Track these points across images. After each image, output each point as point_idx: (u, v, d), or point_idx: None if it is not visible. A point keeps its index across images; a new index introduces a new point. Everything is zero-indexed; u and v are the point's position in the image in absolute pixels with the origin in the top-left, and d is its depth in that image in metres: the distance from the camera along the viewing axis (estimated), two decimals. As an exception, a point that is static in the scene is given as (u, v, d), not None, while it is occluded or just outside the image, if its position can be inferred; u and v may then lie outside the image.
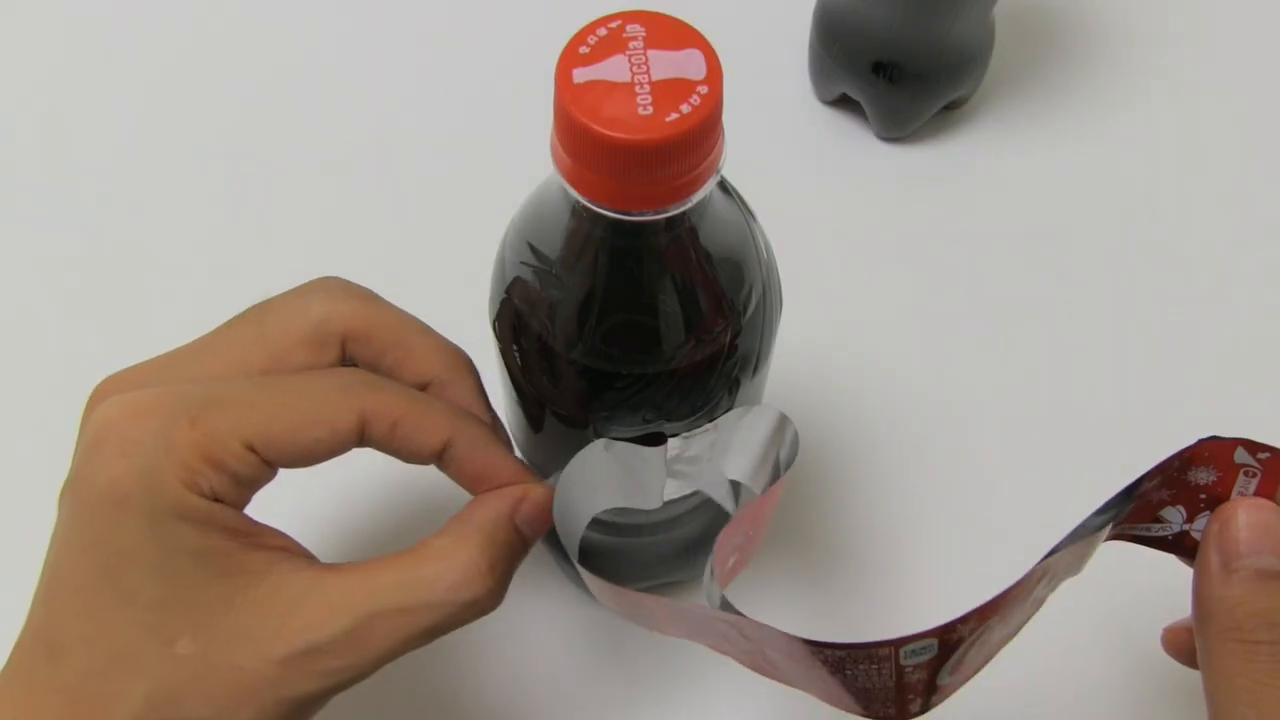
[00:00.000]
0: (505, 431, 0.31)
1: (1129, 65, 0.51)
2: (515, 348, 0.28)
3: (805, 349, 0.43)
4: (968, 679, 0.26)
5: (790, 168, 0.48)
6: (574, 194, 0.23)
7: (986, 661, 0.27)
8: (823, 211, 0.47)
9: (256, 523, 0.26)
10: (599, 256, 0.25)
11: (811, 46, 0.48)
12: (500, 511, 0.28)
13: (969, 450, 0.41)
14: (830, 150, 0.48)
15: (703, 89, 0.21)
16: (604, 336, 0.26)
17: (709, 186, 0.23)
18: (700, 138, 0.22)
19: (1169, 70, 0.51)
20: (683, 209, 0.23)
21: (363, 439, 0.27)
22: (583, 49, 0.22)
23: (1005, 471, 0.41)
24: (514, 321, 0.27)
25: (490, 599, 0.27)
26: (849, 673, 0.25)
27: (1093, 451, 0.42)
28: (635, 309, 0.26)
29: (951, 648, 0.24)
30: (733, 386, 0.28)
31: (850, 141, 0.49)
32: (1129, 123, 0.49)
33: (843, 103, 0.49)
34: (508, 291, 0.27)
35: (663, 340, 0.26)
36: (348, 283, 0.29)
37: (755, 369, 0.28)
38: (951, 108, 0.49)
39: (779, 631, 0.24)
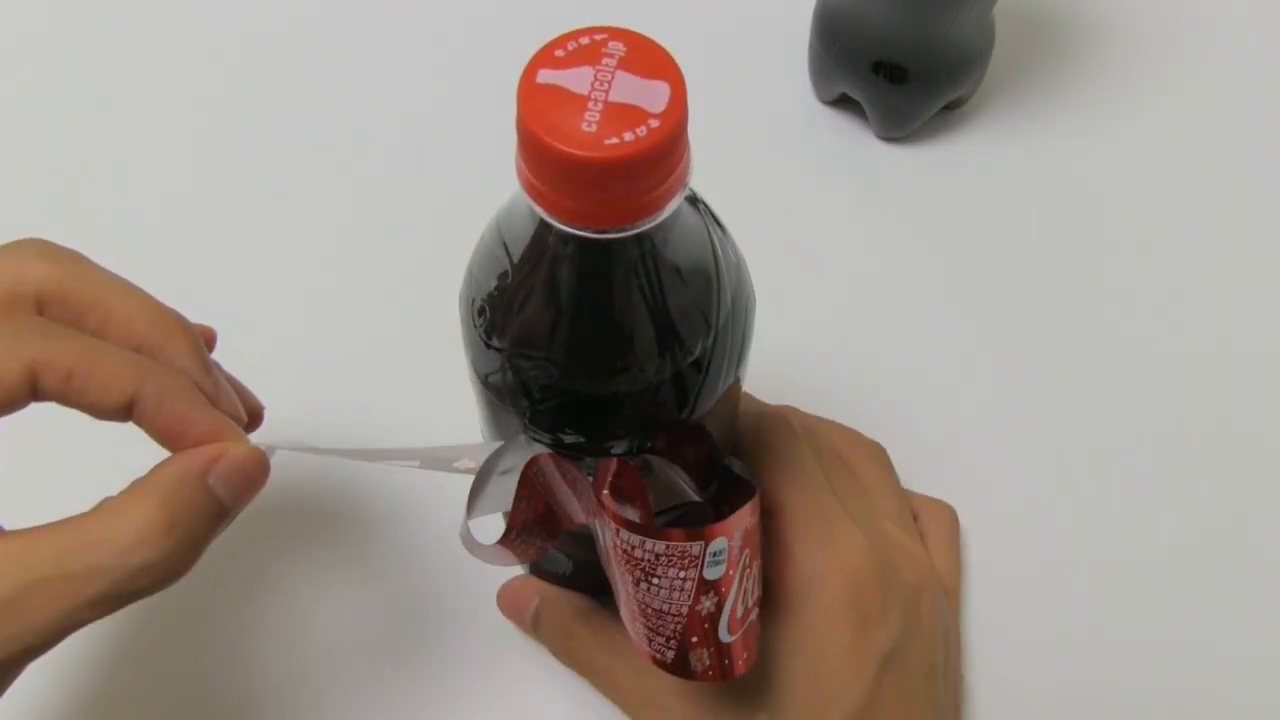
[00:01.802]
0: (228, 393, 0.29)
1: (1129, 65, 0.51)
2: (471, 331, 0.27)
3: (805, 349, 0.43)
4: (742, 656, 0.27)
5: (790, 168, 0.48)
6: (520, 189, 0.23)
7: (743, 626, 0.28)
8: (822, 211, 0.47)
9: None
10: (543, 260, 0.24)
11: (811, 46, 0.48)
12: (188, 469, 0.25)
13: (968, 451, 0.41)
14: (830, 150, 0.48)
15: (654, 123, 0.21)
16: (529, 340, 0.25)
17: (647, 223, 0.22)
18: (637, 170, 0.21)
19: (1169, 70, 0.51)
20: (612, 235, 0.22)
21: (36, 392, 0.25)
22: (558, 52, 0.22)
23: (1004, 472, 0.41)
24: (470, 305, 0.27)
25: (169, 564, 0.25)
26: (655, 581, 0.25)
27: (1093, 452, 0.42)
28: (568, 321, 0.25)
29: (734, 563, 0.26)
30: (660, 426, 0.27)
31: (850, 141, 0.48)
32: (1129, 122, 0.49)
33: (843, 103, 0.49)
34: (470, 272, 0.27)
35: (586, 362, 0.25)
36: (46, 243, 0.27)
37: (694, 408, 0.27)
38: (951, 108, 0.49)
39: (611, 519, 0.25)
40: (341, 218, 0.46)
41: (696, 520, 0.28)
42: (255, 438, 0.28)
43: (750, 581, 0.27)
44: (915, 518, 0.38)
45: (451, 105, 0.49)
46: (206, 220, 0.46)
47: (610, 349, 0.25)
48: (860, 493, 0.35)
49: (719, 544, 0.25)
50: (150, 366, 0.26)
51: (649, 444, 0.27)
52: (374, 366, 0.43)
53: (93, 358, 0.25)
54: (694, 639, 0.27)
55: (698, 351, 0.26)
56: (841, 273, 0.45)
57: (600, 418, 0.26)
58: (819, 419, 0.38)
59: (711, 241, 0.26)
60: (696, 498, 0.28)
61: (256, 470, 0.27)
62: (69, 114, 0.49)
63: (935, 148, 0.48)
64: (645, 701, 0.33)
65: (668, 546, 0.25)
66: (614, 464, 0.26)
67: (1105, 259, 0.46)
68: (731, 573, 0.26)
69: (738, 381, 0.29)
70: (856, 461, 0.37)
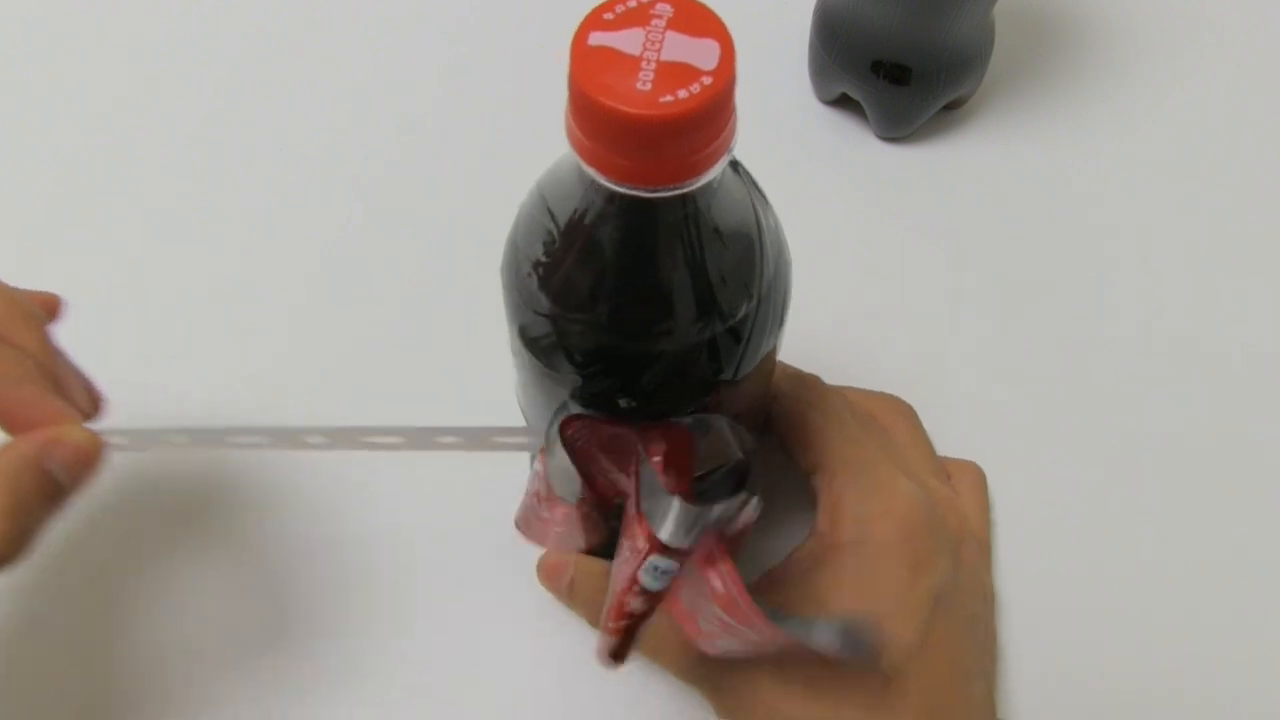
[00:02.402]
0: (75, 380, 0.29)
1: (1129, 65, 0.51)
2: (518, 300, 0.27)
3: (804, 349, 0.43)
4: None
5: (790, 168, 0.48)
6: (571, 152, 0.23)
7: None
8: (822, 211, 0.47)
9: None
10: (594, 223, 0.24)
11: (811, 46, 0.48)
12: (24, 453, 0.26)
13: (960, 451, 0.41)
14: (830, 150, 0.48)
15: (706, 80, 0.21)
16: (580, 303, 0.25)
17: (699, 180, 0.23)
18: (691, 127, 0.22)
19: (1169, 69, 0.51)
20: (664, 193, 0.23)
21: None
22: (607, 15, 0.22)
23: (1001, 473, 0.41)
24: (515, 273, 0.27)
25: (4, 546, 0.25)
26: (623, 551, 0.26)
27: (1093, 452, 0.42)
28: (621, 282, 0.25)
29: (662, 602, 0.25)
30: (706, 388, 0.27)
31: (850, 141, 0.48)
32: (1129, 122, 0.49)
33: (843, 103, 0.49)
34: (513, 243, 0.27)
35: (634, 322, 0.26)
36: None
37: (739, 368, 0.27)
38: (951, 108, 0.48)
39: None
40: (344, 212, 0.46)
41: (740, 478, 0.28)
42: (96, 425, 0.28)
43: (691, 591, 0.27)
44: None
45: (458, 91, 0.49)
46: (210, 212, 0.46)
47: (661, 309, 0.25)
48: (895, 450, 0.36)
49: (664, 563, 0.25)
50: None
51: (695, 407, 0.27)
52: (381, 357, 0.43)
53: None
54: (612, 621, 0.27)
55: (744, 311, 0.26)
56: (841, 273, 0.45)
57: (651, 380, 0.26)
58: (845, 387, 0.39)
59: (753, 204, 0.26)
60: (741, 454, 0.29)
61: (93, 454, 0.27)
62: (75, 112, 0.49)
63: (935, 148, 0.48)
64: (698, 655, 0.32)
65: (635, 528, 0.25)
66: (665, 428, 0.26)
67: (1105, 258, 0.46)
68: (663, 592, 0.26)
69: (776, 344, 0.29)
70: (887, 422, 0.38)
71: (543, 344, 0.27)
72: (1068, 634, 0.38)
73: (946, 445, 0.41)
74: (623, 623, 0.26)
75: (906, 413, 0.39)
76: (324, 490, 0.40)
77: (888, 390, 0.40)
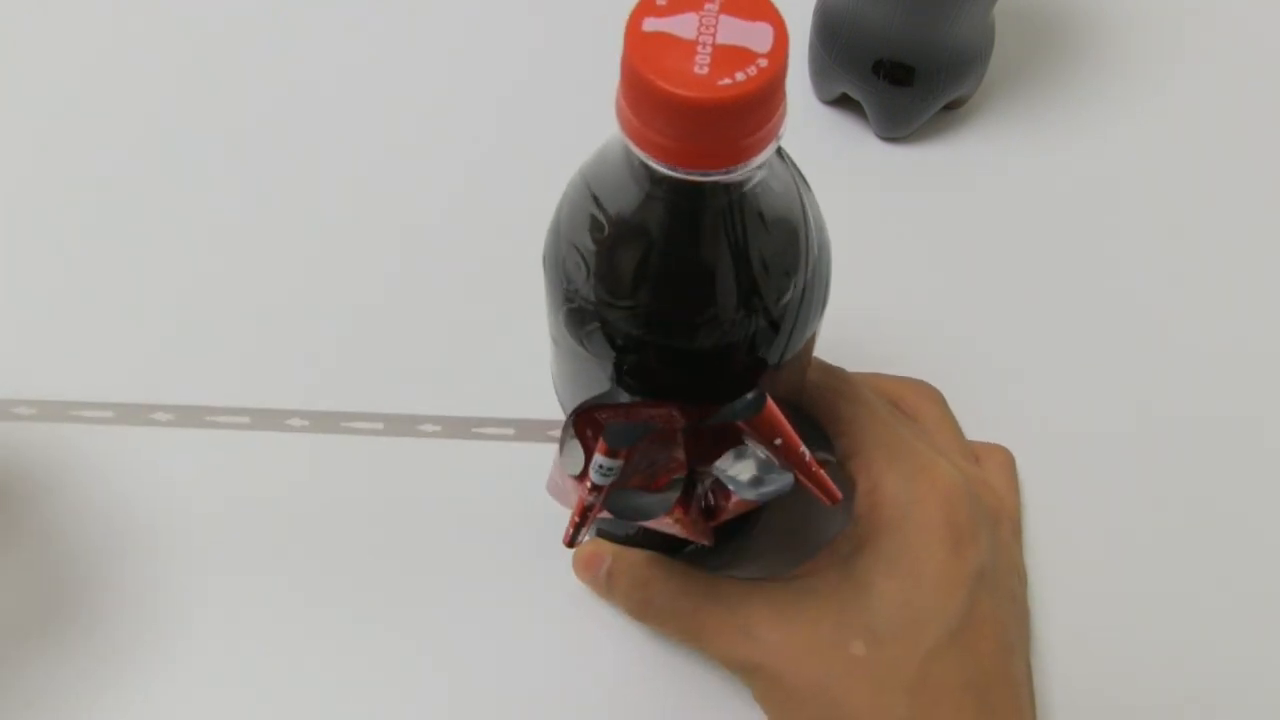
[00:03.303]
0: None
1: (1129, 64, 0.51)
2: (557, 286, 0.27)
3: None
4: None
5: (790, 168, 0.48)
6: (623, 138, 0.23)
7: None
8: (823, 211, 0.46)
9: None
10: (638, 209, 0.25)
11: (811, 46, 0.48)
12: None
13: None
14: (830, 150, 0.48)
15: (763, 62, 0.22)
16: (624, 290, 0.26)
17: (753, 163, 0.23)
18: (749, 109, 0.22)
19: (1169, 69, 0.51)
20: (717, 177, 0.23)
21: None
22: (660, 0, 0.22)
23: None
24: (558, 264, 0.27)
25: None
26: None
27: (1094, 451, 0.42)
28: (662, 269, 0.25)
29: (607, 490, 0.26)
30: (750, 373, 0.27)
31: (850, 141, 0.48)
32: (1129, 122, 0.49)
33: (843, 103, 0.49)
34: (556, 232, 0.27)
35: (681, 309, 0.26)
36: None
37: (784, 353, 0.27)
38: (951, 108, 0.49)
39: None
40: (330, 218, 0.46)
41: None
42: None
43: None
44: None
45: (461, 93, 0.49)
46: (193, 213, 0.46)
47: (708, 295, 0.25)
48: (924, 434, 0.36)
49: (606, 461, 0.26)
50: None
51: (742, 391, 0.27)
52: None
53: None
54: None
55: (790, 296, 0.26)
56: (841, 273, 0.45)
57: (695, 366, 0.27)
58: (871, 374, 0.39)
59: (798, 189, 0.27)
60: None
61: None
62: (85, 116, 0.49)
63: (935, 148, 0.48)
64: (738, 634, 0.32)
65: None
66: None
67: (1105, 258, 0.46)
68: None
69: (817, 330, 0.30)
70: (915, 406, 0.38)
71: (587, 330, 0.27)
72: (1093, 617, 0.38)
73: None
74: (578, 515, 0.28)
75: (934, 397, 0.39)
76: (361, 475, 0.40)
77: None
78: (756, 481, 0.27)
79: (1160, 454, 0.42)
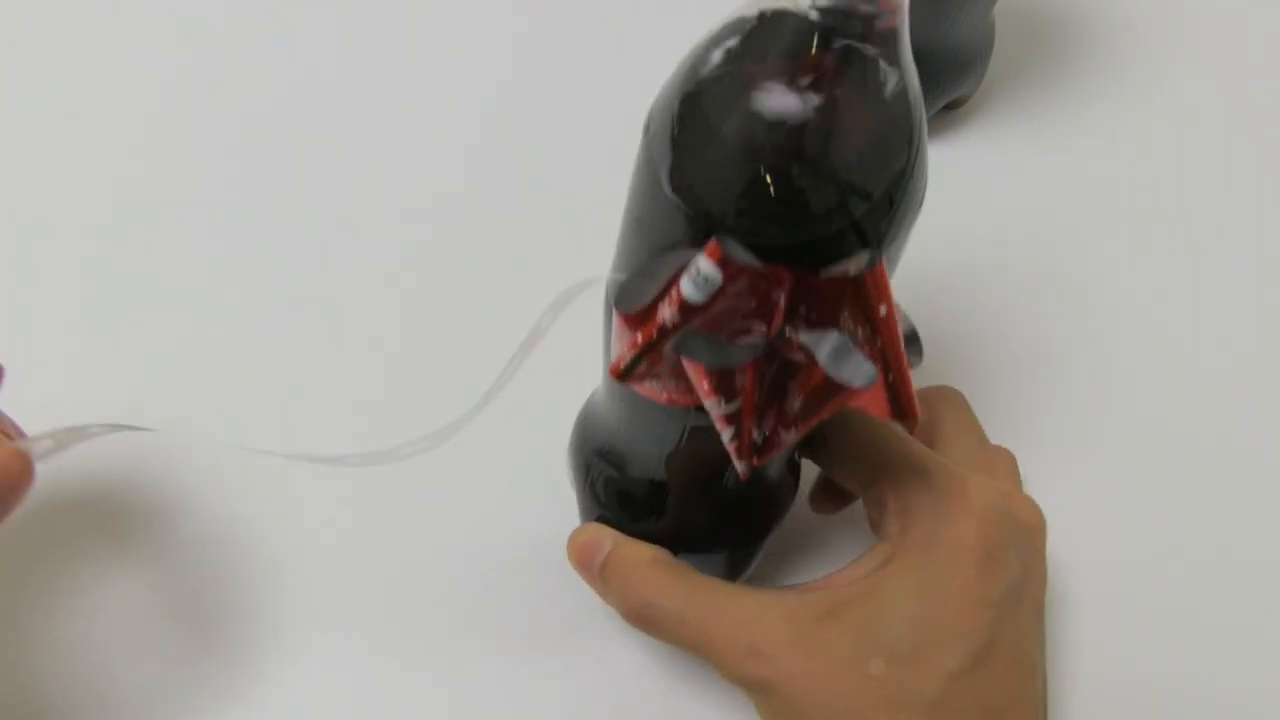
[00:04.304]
0: (8, 423, 0.30)
1: (1129, 64, 0.51)
2: (666, 145, 0.26)
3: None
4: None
5: (790, 168, 0.48)
6: None
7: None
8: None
9: None
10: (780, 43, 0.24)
11: (811, 46, 0.48)
12: None
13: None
14: (830, 150, 0.48)
15: None
16: (750, 139, 0.25)
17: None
18: None
19: (1169, 69, 0.51)
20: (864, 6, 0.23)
21: None
22: None
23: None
24: (669, 114, 0.26)
25: None
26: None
27: (1093, 450, 0.42)
28: (801, 116, 0.24)
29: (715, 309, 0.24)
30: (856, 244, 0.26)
31: (850, 141, 0.48)
32: (1129, 122, 0.49)
33: (843, 103, 0.49)
34: (682, 80, 0.26)
35: (803, 162, 0.25)
36: None
37: (883, 241, 0.27)
38: (951, 108, 0.49)
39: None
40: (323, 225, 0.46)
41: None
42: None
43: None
44: None
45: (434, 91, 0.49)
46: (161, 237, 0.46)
47: (833, 152, 0.25)
48: (949, 452, 0.35)
49: (709, 268, 0.24)
50: None
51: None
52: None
53: None
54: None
55: (903, 169, 0.26)
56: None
57: (810, 227, 0.25)
58: None
59: (903, 68, 0.26)
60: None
61: (17, 468, 0.28)
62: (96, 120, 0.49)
63: (935, 148, 0.48)
64: (748, 652, 0.30)
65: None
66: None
67: (1105, 257, 0.46)
68: (696, 309, 0.25)
69: (903, 247, 0.29)
70: (935, 411, 0.37)
71: (707, 181, 0.25)
72: (1098, 621, 0.38)
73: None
74: (649, 336, 0.25)
75: (955, 400, 0.37)
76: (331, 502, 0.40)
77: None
78: (838, 356, 0.25)
79: (1161, 454, 0.42)
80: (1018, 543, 0.32)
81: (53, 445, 0.29)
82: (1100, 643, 0.38)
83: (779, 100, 0.24)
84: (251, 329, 0.43)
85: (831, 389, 0.26)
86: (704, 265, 0.24)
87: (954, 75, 0.46)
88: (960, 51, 0.45)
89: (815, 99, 0.24)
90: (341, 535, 0.39)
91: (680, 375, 0.27)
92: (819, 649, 0.30)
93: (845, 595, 0.31)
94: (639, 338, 0.26)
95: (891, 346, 0.26)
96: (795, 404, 0.27)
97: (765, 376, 0.27)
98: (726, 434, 0.27)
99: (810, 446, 0.34)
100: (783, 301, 0.25)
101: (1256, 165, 0.48)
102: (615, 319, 0.27)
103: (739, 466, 0.28)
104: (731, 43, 0.25)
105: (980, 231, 0.46)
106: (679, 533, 0.31)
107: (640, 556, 0.32)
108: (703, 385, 0.26)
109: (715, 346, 0.26)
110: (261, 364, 0.42)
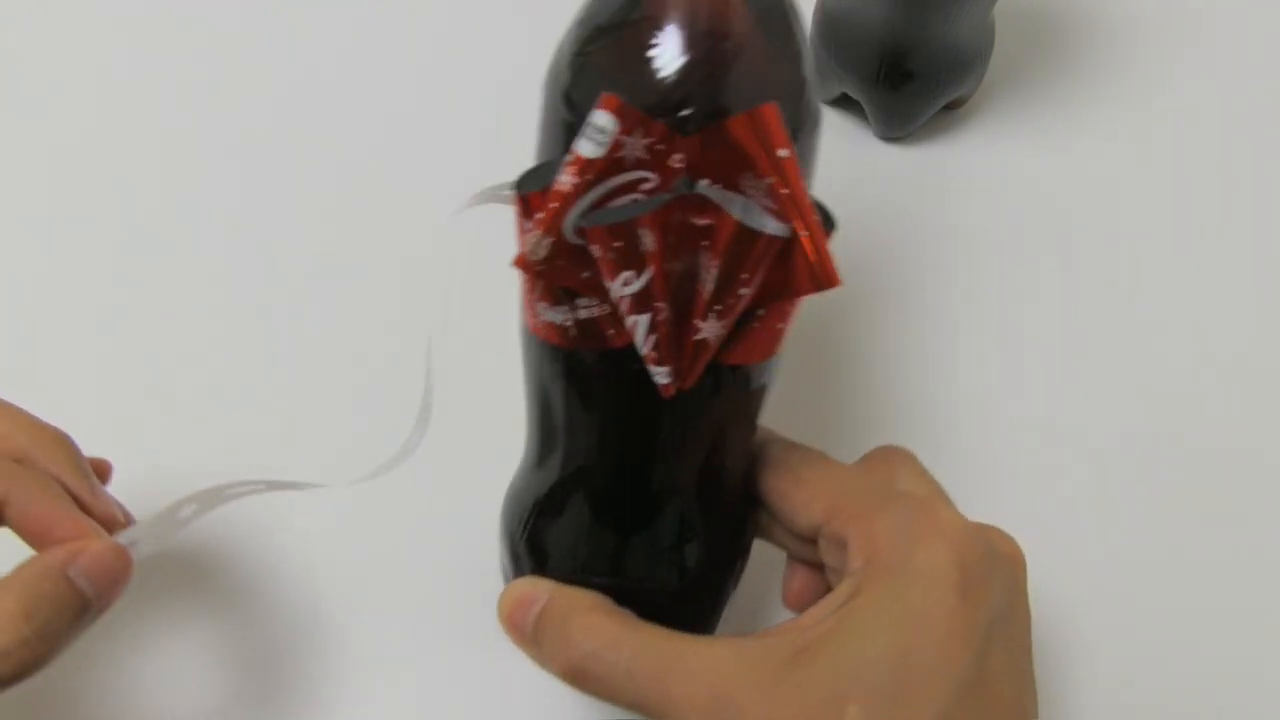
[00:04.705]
0: (104, 499, 0.31)
1: (1128, 64, 0.51)
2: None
3: (804, 349, 0.43)
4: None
5: (790, 168, 0.48)
6: None
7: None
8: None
9: None
10: None
11: (812, 46, 0.48)
12: (47, 563, 0.27)
13: (969, 449, 0.41)
14: (830, 150, 0.48)
15: None
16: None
17: None
18: None
19: (1168, 69, 0.51)
20: None
21: None
22: None
23: (997, 476, 0.41)
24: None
25: (27, 650, 0.26)
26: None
27: (1094, 449, 0.42)
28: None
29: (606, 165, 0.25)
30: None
31: (850, 141, 0.49)
32: (1129, 122, 0.49)
33: (843, 103, 0.49)
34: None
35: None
36: None
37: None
38: (951, 108, 0.49)
39: None
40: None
41: None
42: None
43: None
44: None
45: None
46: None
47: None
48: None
49: (604, 119, 0.24)
50: (19, 471, 0.28)
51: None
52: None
53: None
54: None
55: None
56: (840, 272, 0.45)
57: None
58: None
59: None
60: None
61: (116, 563, 0.28)
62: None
63: (935, 148, 0.48)
64: (711, 703, 0.27)
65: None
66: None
67: (1105, 257, 0.46)
68: (589, 167, 0.24)
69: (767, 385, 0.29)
70: (889, 472, 0.33)
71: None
72: (1074, 652, 0.38)
73: (947, 443, 0.41)
74: (552, 211, 0.25)
75: (904, 457, 0.34)
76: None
77: (884, 390, 0.40)
78: (747, 211, 0.24)
79: (1161, 455, 0.42)
80: (999, 571, 0.29)
81: (143, 537, 0.30)
82: (1095, 680, 0.37)
83: None
84: (251, 329, 0.43)
85: (744, 249, 0.25)
86: (599, 117, 0.24)
87: (954, 75, 0.46)
88: (960, 51, 0.46)
89: None
90: (338, 546, 0.39)
91: (582, 261, 0.26)
92: (790, 694, 0.27)
93: (814, 635, 0.28)
94: (544, 216, 0.25)
95: (796, 189, 0.24)
96: (709, 281, 0.26)
97: (671, 240, 0.25)
98: (641, 329, 0.26)
99: (758, 510, 0.32)
100: (680, 162, 0.25)
101: (1256, 165, 0.48)
102: (517, 219, 0.27)
103: (660, 377, 0.26)
104: None
105: (980, 231, 0.46)
106: (629, 591, 0.29)
107: (580, 603, 0.29)
108: (606, 259, 0.25)
109: (616, 212, 0.25)
110: (261, 364, 0.42)
